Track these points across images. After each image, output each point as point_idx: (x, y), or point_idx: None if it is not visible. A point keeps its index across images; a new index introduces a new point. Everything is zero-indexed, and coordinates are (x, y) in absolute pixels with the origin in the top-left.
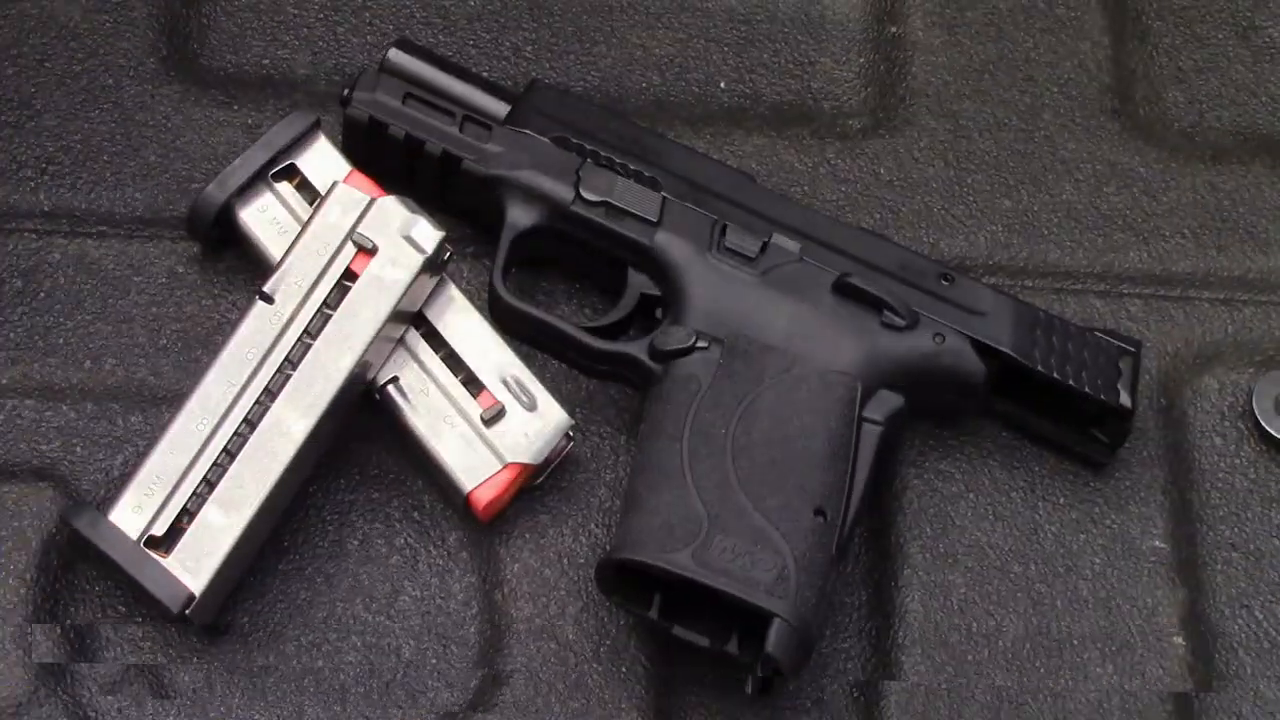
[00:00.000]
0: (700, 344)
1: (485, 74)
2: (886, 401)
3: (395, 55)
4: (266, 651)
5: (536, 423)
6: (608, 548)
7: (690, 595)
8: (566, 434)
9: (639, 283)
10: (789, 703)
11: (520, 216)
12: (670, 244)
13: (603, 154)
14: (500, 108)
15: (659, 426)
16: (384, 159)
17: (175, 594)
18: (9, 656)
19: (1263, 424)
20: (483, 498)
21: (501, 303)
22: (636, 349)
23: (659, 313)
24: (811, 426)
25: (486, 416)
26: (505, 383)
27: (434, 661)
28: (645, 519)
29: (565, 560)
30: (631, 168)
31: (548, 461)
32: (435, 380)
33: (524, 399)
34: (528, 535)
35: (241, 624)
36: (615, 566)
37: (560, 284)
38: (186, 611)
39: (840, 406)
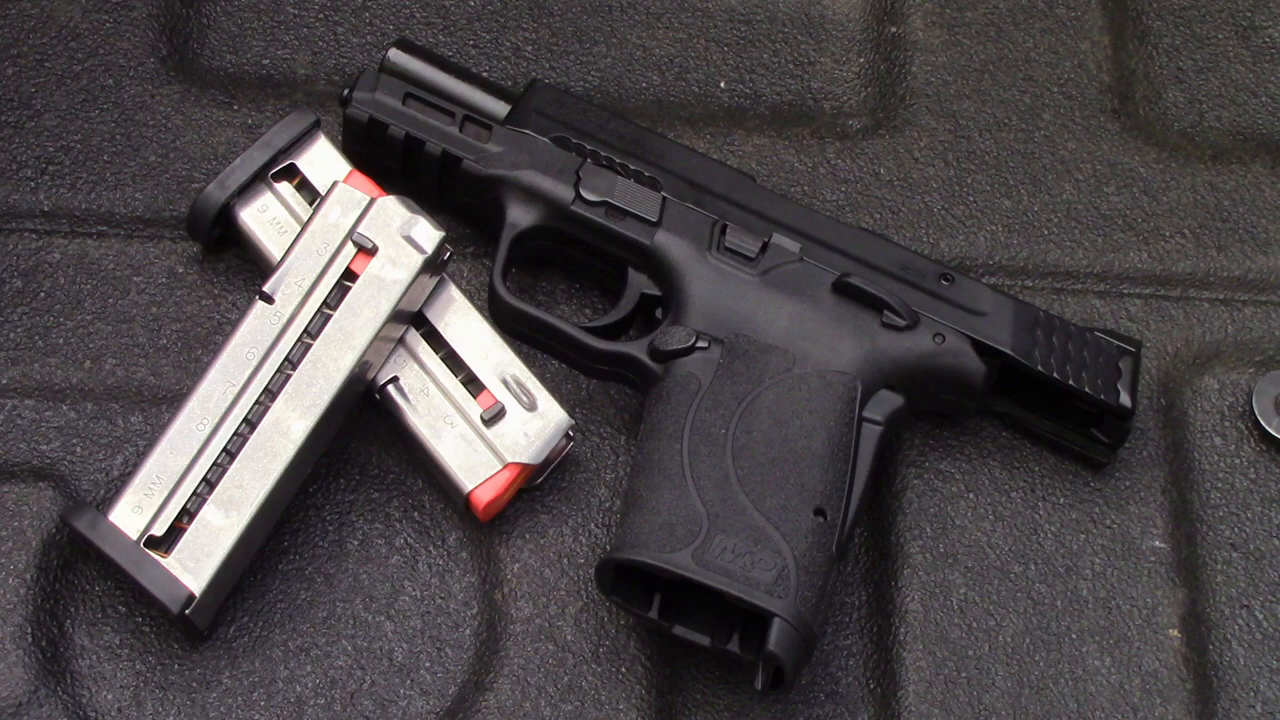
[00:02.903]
0: (700, 344)
1: (485, 74)
2: (886, 401)
3: (395, 55)
4: (253, 657)
5: (536, 423)
6: (608, 548)
7: (690, 594)
8: (566, 434)
9: (639, 283)
10: (801, 696)
11: (520, 216)
12: (670, 244)
13: (603, 154)
14: (500, 108)
15: (659, 426)
16: (384, 159)
17: (175, 594)
18: (9, 656)
19: (1263, 424)
20: (483, 497)
21: (501, 303)
22: (636, 349)
23: (659, 313)
24: (811, 426)
25: (486, 416)
26: (505, 383)
27: (427, 664)
28: (645, 519)
29: (565, 560)
30: (631, 168)
31: (548, 461)
32: (435, 380)
33: (524, 399)
34: (528, 535)
35: (240, 624)
36: (615, 567)
37: (560, 284)
38: (186, 611)
39: (840, 406)
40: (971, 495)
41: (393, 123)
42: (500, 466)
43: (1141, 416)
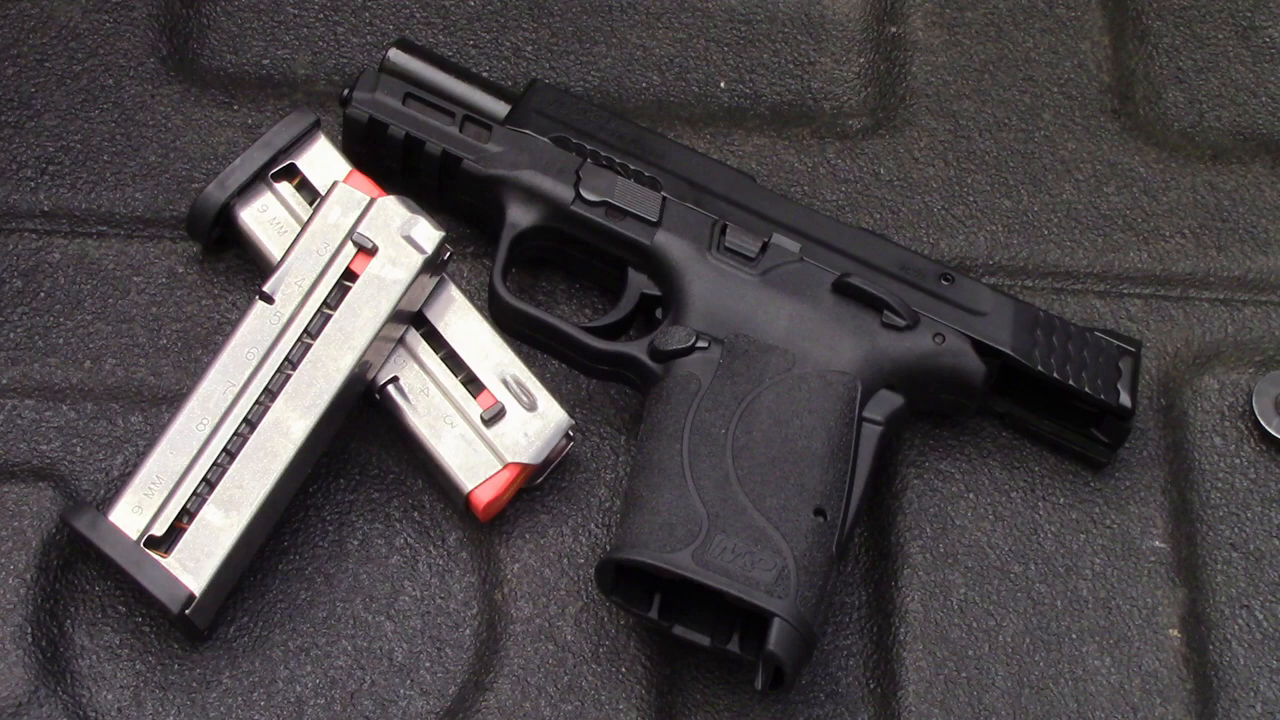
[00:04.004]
0: (700, 344)
1: (485, 74)
2: (886, 401)
3: (395, 55)
4: (253, 657)
5: (536, 423)
6: (608, 548)
7: (691, 595)
8: (566, 434)
9: (639, 282)
10: (801, 696)
11: (520, 216)
12: (670, 244)
13: (603, 154)
14: (500, 108)
15: (659, 426)
16: (384, 159)
17: (175, 594)
18: (9, 656)
19: (1263, 424)
20: (483, 497)
21: (501, 303)
22: (636, 349)
23: (659, 312)
24: (811, 426)
25: (486, 416)
26: (505, 383)
27: (427, 665)
28: (645, 519)
29: (565, 560)
30: (631, 168)
31: (548, 461)
32: (435, 380)
33: (524, 399)
34: (527, 535)
35: (240, 624)
36: (615, 567)
37: (560, 284)
38: (186, 611)
39: (840, 406)
40: (971, 495)
41: (393, 123)
42: (500, 466)
43: (1141, 416)
